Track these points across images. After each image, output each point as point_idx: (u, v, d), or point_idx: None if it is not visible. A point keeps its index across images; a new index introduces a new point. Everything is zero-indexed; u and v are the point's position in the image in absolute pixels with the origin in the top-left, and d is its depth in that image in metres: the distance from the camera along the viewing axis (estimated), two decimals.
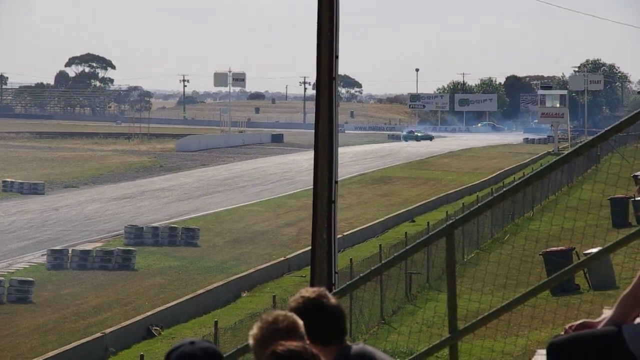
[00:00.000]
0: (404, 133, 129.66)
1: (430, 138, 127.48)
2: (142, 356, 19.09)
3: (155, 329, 26.88)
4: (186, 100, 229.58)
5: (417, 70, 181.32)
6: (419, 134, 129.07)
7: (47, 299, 31.07)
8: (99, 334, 25.09)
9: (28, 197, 59.19)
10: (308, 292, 4.64)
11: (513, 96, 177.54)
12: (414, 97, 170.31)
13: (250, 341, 4.10)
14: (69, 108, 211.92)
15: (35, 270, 35.29)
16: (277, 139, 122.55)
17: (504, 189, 7.58)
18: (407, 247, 8.08)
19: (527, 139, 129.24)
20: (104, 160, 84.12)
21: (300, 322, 4.21)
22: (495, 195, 7.95)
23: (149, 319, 27.17)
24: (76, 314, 29.23)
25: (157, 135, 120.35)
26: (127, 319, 27.39)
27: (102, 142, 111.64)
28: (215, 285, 32.06)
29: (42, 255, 37.58)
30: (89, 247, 39.14)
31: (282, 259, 37.29)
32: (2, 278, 31.87)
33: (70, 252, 36.75)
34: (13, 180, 63.67)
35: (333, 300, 4.63)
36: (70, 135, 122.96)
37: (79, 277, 34.68)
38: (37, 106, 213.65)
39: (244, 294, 32.42)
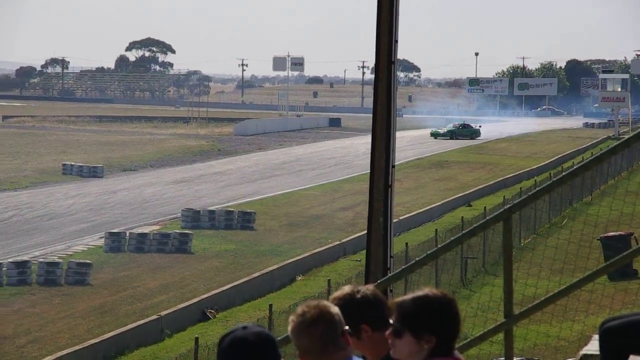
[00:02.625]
0: (433, 130, 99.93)
1: (473, 133, 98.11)
2: (197, 339, 19.11)
3: (210, 312, 26.95)
4: (245, 84, 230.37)
5: (476, 54, 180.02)
6: (454, 128, 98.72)
7: (105, 281, 31.29)
8: (155, 316, 25.21)
9: (87, 180, 59.70)
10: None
11: (573, 80, 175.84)
12: (473, 81, 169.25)
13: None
14: (128, 92, 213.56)
15: (93, 253, 35.57)
16: (334, 123, 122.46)
17: (563, 174, 7.43)
18: (463, 231, 7.97)
19: (587, 123, 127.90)
20: (162, 144, 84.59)
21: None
22: (554, 179, 7.79)
23: (204, 302, 27.25)
24: (133, 297, 29.41)
25: (215, 119, 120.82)
26: (183, 301, 27.49)
27: (160, 126, 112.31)
28: (270, 268, 32.08)
29: (100, 237, 37.85)
30: (146, 230, 39.34)
31: (338, 242, 37.22)
32: (61, 260, 32.16)
33: (127, 234, 36.97)
34: (73, 163, 64.26)
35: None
36: (129, 119, 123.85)
37: (136, 260, 34.88)
38: (98, 90, 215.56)
39: (299, 278, 32.41)
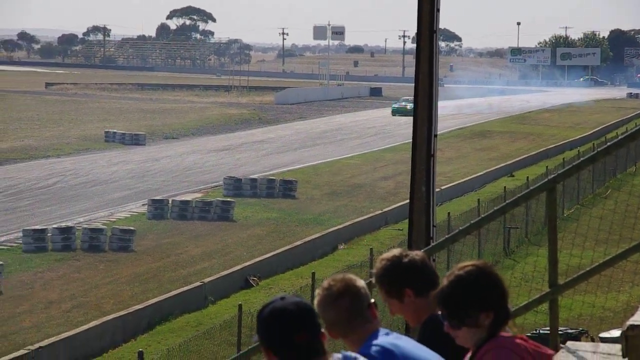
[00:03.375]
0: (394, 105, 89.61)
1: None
2: (240, 306, 19.27)
3: (253, 279, 27.13)
4: (285, 53, 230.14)
5: (518, 24, 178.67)
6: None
7: (148, 247, 31.54)
8: (198, 283, 25.40)
9: (130, 147, 60.06)
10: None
11: (617, 50, 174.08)
12: (515, 51, 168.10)
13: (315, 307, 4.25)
14: (169, 60, 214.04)
15: (136, 220, 35.84)
16: (375, 92, 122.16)
17: (608, 144, 7.40)
18: (507, 201, 7.98)
19: (631, 93, 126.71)
20: (203, 112, 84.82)
21: (357, 284, 4.25)
22: (599, 149, 7.78)
23: (247, 270, 27.42)
24: (176, 263, 29.64)
25: (256, 87, 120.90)
26: (226, 269, 27.67)
27: (202, 94, 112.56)
28: (312, 237, 32.20)
29: (143, 205, 38.13)
30: (188, 197, 39.58)
31: (379, 212, 37.26)
32: (105, 227, 32.44)
33: (170, 202, 37.21)
34: (115, 130, 64.65)
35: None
36: (170, 87, 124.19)
37: (178, 227, 35.12)
38: (139, 58, 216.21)
39: (341, 247, 32.51)
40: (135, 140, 62.36)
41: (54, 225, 31.97)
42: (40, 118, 78.41)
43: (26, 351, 18.97)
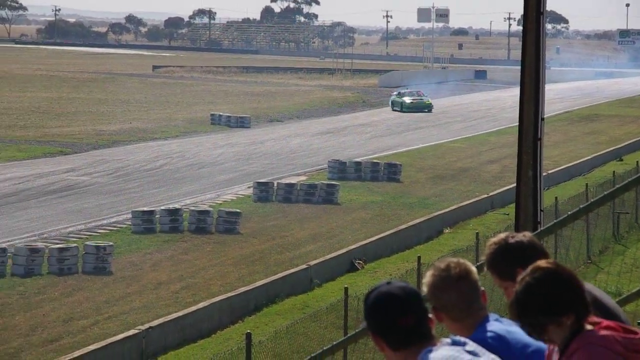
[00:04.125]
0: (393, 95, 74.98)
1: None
2: (346, 289, 19.32)
3: (358, 263, 27.17)
4: (389, 36, 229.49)
5: (627, 5, 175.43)
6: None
7: (254, 230, 31.79)
8: (304, 266, 25.53)
9: (235, 130, 60.57)
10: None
11: None
12: (624, 33, 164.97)
13: (424, 288, 4.19)
14: (274, 43, 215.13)
15: (242, 202, 36.15)
16: (480, 75, 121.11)
17: None
18: (617, 186, 7.81)
19: None
20: (307, 95, 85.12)
21: (474, 270, 4.22)
22: None
23: (352, 253, 27.47)
24: (281, 246, 29.82)
25: (359, 70, 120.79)
26: (331, 252, 27.76)
27: (306, 77, 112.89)
28: (417, 220, 32.10)
29: (249, 187, 38.43)
30: (293, 180, 39.77)
31: (485, 196, 36.98)
32: (211, 209, 32.78)
33: (275, 185, 37.43)
34: (221, 113, 65.25)
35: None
36: (275, 69, 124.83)
37: (283, 210, 35.32)
38: (244, 41, 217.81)
39: (446, 230, 32.35)
40: (241, 123, 62.84)
41: (162, 207, 32.41)
42: (147, 100, 79.54)
43: (137, 331, 19.30)
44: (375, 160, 44.28)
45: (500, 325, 4.27)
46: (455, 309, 4.21)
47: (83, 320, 21.39)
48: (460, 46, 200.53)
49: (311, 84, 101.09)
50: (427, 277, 4.20)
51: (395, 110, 71.77)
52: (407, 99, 71.88)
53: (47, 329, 20.58)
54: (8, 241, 27.81)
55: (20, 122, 61.02)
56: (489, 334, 4.20)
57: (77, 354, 17.82)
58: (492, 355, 3.88)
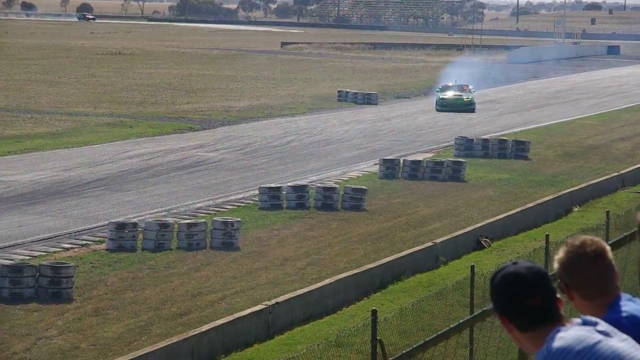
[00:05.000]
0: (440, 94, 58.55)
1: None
2: (472, 267, 19.16)
3: (484, 241, 26.94)
4: (519, 11, 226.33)
5: None
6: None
7: (379, 207, 31.79)
8: (429, 243, 25.43)
9: (362, 107, 60.58)
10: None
11: None
12: None
13: (556, 265, 4.08)
14: (402, 19, 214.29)
15: (367, 179, 36.16)
16: (613, 51, 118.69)
17: None
18: None
19: None
20: (435, 71, 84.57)
21: (608, 248, 4.10)
22: None
23: (478, 231, 27.25)
24: (407, 223, 29.76)
25: (488, 46, 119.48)
26: (457, 229, 27.58)
27: (434, 54, 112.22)
28: (545, 198, 31.65)
29: (375, 164, 38.42)
30: (419, 157, 39.63)
31: (616, 174, 36.25)
32: (337, 186, 32.87)
33: (401, 162, 37.33)
34: (348, 90, 65.30)
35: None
36: (402, 46, 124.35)
37: (409, 187, 35.22)
38: (372, 17, 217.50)
39: (576, 209, 31.83)
40: (368, 100, 62.81)
41: (289, 184, 32.62)
42: (275, 77, 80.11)
43: (264, 306, 19.51)
44: (503, 137, 43.79)
45: (634, 305, 4.15)
46: (590, 287, 4.09)
47: (211, 294, 21.72)
48: (593, 21, 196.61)
49: (439, 60, 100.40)
50: (560, 254, 4.09)
51: (437, 110, 56.81)
52: (443, 96, 57.30)
53: (176, 303, 20.95)
54: (139, 216, 28.38)
55: (151, 99, 62.13)
56: (623, 314, 4.09)
57: (205, 328, 18.11)
58: (624, 336, 3.80)
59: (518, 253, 25.11)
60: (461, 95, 57.16)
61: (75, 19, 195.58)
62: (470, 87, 59.05)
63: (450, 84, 59.61)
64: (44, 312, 19.84)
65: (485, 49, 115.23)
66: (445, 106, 56.52)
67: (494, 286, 3.81)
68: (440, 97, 57.36)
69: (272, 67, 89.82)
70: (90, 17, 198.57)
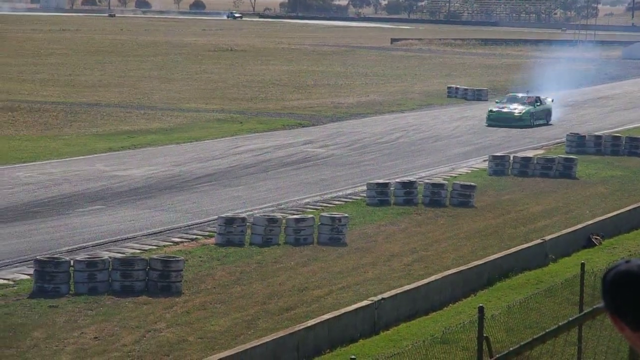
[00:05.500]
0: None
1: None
2: (582, 264, 18.85)
3: (595, 238, 26.48)
4: (635, 6, 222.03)
5: None
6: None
7: (488, 204, 31.51)
8: (539, 241, 25.09)
9: (472, 103, 60.15)
10: None
11: None
12: None
13: None
14: (514, 15, 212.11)
15: (476, 176, 35.88)
16: None
17: None
18: None
19: None
20: (546, 67, 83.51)
21: None
22: None
23: (589, 228, 26.80)
24: (516, 220, 29.42)
25: (602, 42, 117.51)
26: (567, 227, 27.17)
27: (545, 49, 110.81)
28: None
29: (484, 160, 38.09)
30: (530, 154, 39.16)
31: None
32: (445, 182, 32.67)
33: (511, 158, 36.94)
34: (458, 86, 64.89)
35: None
36: (513, 42, 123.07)
37: (519, 184, 34.84)
38: (483, 13, 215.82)
39: None
40: (478, 96, 62.34)
41: (397, 180, 32.54)
42: (384, 73, 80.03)
43: (370, 302, 19.48)
44: (616, 134, 43.02)
45: None
46: None
47: (317, 289, 21.77)
48: None
49: (551, 56, 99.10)
50: None
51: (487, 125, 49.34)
52: (493, 108, 50.42)
53: (282, 298, 21.06)
54: (247, 211, 28.61)
55: (261, 95, 62.60)
56: None
57: (311, 322, 18.15)
58: None
59: (630, 251, 24.65)
60: (513, 110, 49.09)
61: (225, 17, 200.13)
62: (546, 98, 51.36)
63: (520, 95, 51.95)
64: (153, 305, 20.12)
65: (599, 45, 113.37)
66: (493, 120, 49.07)
67: (605, 285, 3.74)
68: (490, 109, 50.15)
69: (382, 64, 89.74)
70: (238, 15, 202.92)
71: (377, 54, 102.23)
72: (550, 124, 50.18)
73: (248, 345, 16.81)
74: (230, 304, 20.45)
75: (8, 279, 21.46)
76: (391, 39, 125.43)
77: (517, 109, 49.66)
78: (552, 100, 51.54)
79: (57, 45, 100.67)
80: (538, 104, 50.58)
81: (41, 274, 20.61)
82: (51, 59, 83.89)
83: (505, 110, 49.54)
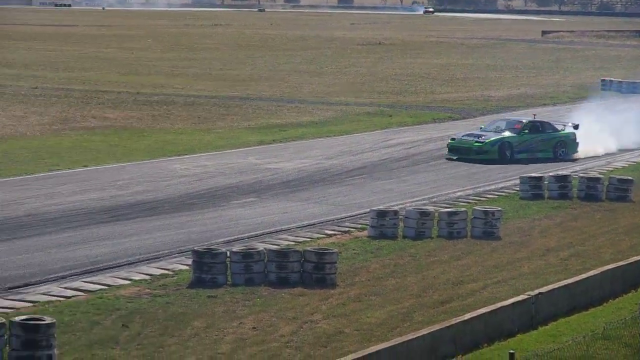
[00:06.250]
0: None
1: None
2: None
3: None
4: None
5: None
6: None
7: None
8: None
9: (627, 96, 58.72)
10: None
11: None
12: None
13: None
14: None
15: (634, 169, 35.15)
16: None
17: None
18: None
19: None
20: None
21: None
22: None
23: None
24: None
25: None
26: None
27: None
28: None
29: None
30: None
31: None
32: (602, 176, 32.05)
33: None
34: (612, 79, 63.57)
35: None
36: None
37: None
38: (637, 4, 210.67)
39: None
40: (633, 89, 60.89)
41: (551, 173, 32.04)
42: (536, 66, 78.93)
43: (526, 296, 19.21)
44: None
45: None
46: None
47: (472, 283, 21.57)
48: None
49: None
50: None
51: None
52: (456, 136, 38.45)
53: (437, 291, 20.94)
54: (400, 204, 28.56)
55: (411, 88, 62.45)
56: None
57: (467, 316, 18.00)
58: None
59: None
60: (474, 140, 37.14)
61: (421, 13, 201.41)
62: (566, 124, 39.29)
63: (513, 119, 40.20)
64: (309, 297, 20.24)
65: None
66: (452, 151, 37.60)
67: None
68: (452, 137, 38.38)
69: (533, 56, 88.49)
70: (430, 10, 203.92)
71: (527, 47, 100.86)
72: (569, 159, 37.87)
73: (405, 338, 16.76)
74: (385, 297, 20.44)
75: (168, 270, 21.90)
76: (542, 31, 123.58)
77: (483, 137, 37.26)
78: (576, 127, 38.55)
79: (209, 40, 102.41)
80: (536, 132, 37.80)
81: (199, 265, 20.96)
82: (204, 54, 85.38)
83: (466, 139, 37.42)
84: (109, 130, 43.18)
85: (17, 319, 16.43)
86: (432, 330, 17.16)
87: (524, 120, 38.87)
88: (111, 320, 18.28)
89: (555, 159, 37.51)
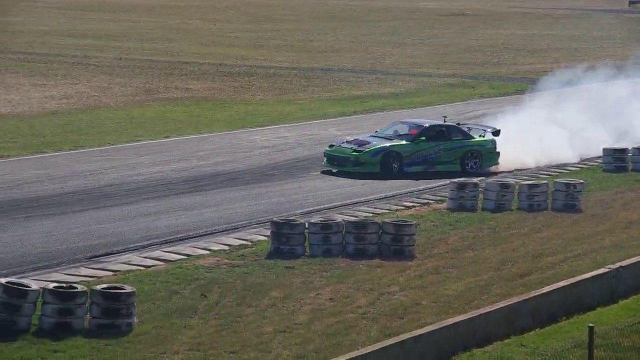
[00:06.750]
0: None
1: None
2: None
3: None
4: None
5: None
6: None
7: None
8: None
9: None
10: None
11: None
12: None
13: None
14: None
15: None
16: None
17: None
18: None
19: None
20: None
21: None
22: None
23: None
24: None
25: None
26: None
27: None
28: None
29: None
30: None
31: None
32: None
33: None
34: None
35: None
36: None
37: None
38: None
39: None
40: None
41: (635, 146, 31.54)
42: (621, 37, 77.60)
43: (607, 270, 18.99)
44: None
45: None
46: None
47: (551, 256, 21.38)
48: None
49: None
50: None
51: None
52: (334, 143, 31.03)
53: (516, 264, 20.79)
54: (480, 177, 28.37)
55: (493, 59, 61.90)
56: None
57: (546, 289, 17.86)
58: None
59: None
60: (352, 148, 29.99)
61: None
62: (485, 130, 31.74)
63: (413, 123, 31.74)
64: (386, 269, 20.24)
65: None
66: (329, 161, 30.35)
67: None
68: (330, 144, 31.08)
69: (618, 27, 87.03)
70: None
71: (613, 17, 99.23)
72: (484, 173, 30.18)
73: (482, 310, 16.69)
74: (463, 269, 20.35)
75: (246, 240, 22.04)
76: (629, 1, 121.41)
77: (367, 145, 30.14)
78: (496, 134, 31.20)
79: (290, 12, 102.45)
80: (439, 139, 30.55)
81: (277, 236, 21.06)
82: (285, 25, 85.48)
83: (345, 147, 30.23)
84: (191, 101, 43.53)
85: (98, 287, 16.70)
86: (509, 303, 17.06)
87: (426, 124, 31.04)
88: (190, 289, 18.47)
89: (464, 172, 29.74)
